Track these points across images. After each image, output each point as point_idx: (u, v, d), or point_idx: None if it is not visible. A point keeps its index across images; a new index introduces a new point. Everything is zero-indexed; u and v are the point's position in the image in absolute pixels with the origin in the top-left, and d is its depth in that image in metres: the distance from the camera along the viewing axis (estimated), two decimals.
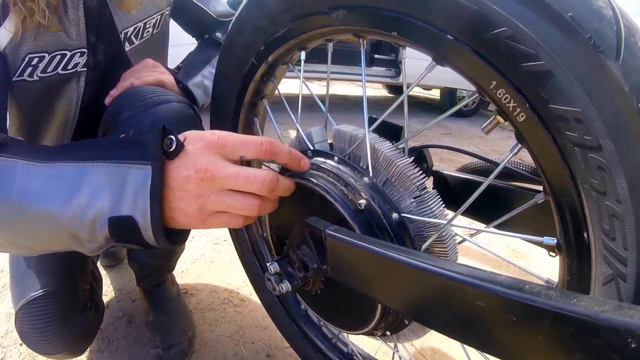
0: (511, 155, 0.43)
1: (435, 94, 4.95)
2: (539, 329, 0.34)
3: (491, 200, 0.58)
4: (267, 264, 0.56)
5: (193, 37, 1.10)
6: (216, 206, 0.45)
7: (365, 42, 0.52)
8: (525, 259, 1.60)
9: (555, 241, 0.43)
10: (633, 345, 0.29)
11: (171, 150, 0.44)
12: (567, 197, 0.39)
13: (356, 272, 0.46)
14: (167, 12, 0.89)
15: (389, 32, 0.45)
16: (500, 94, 0.38)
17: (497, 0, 0.36)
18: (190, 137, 0.45)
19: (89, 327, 0.85)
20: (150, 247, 0.46)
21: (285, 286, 0.54)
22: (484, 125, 0.44)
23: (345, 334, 0.81)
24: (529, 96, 0.37)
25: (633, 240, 0.36)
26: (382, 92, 4.71)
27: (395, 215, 0.51)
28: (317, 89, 4.41)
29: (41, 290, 0.77)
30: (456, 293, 0.37)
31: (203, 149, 0.44)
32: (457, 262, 0.52)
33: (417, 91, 5.05)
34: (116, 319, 1.10)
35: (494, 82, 0.38)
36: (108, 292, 1.18)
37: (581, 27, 0.34)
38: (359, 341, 0.84)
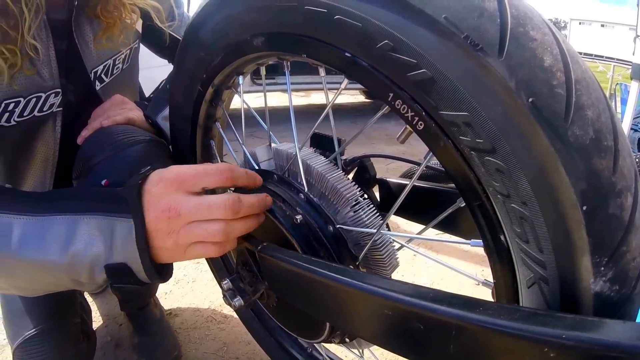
0: (425, 161, 0.43)
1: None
2: (447, 338, 0.33)
3: (433, 203, 0.58)
4: (222, 282, 0.57)
5: (168, 61, 1.10)
6: (187, 238, 0.47)
7: (288, 64, 0.53)
8: None
9: (483, 243, 0.42)
10: (552, 355, 0.27)
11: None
12: (478, 200, 0.39)
13: (288, 287, 0.47)
14: (136, 45, 0.90)
15: (300, 54, 0.46)
16: (397, 104, 0.39)
17: (376, 14, 0.36)
18: (152, 179, 0.48)
19: (83, 359, 0.87)
20: (145, 284, 0.51)
21: (239, 302, 0.55)
22: (398, 135, 0.44)
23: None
24: (422, 105, 0.37)
25: (548, 243, 0.34)
26: (360, 98, 4.60)
27: (330, 227, 0.51)
28: (297, 99, 4.39)
29: (34, 330, 0.79)
30: (365, 303, 0.37)
31: (164, 188, 0.46)
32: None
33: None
34: (104, 343, 1.11)
35: (391, 94, 0.39)
36: (96, 317, 1.19)
37: (456, 28, 0.33)
38: (334, 348, 0.84)
